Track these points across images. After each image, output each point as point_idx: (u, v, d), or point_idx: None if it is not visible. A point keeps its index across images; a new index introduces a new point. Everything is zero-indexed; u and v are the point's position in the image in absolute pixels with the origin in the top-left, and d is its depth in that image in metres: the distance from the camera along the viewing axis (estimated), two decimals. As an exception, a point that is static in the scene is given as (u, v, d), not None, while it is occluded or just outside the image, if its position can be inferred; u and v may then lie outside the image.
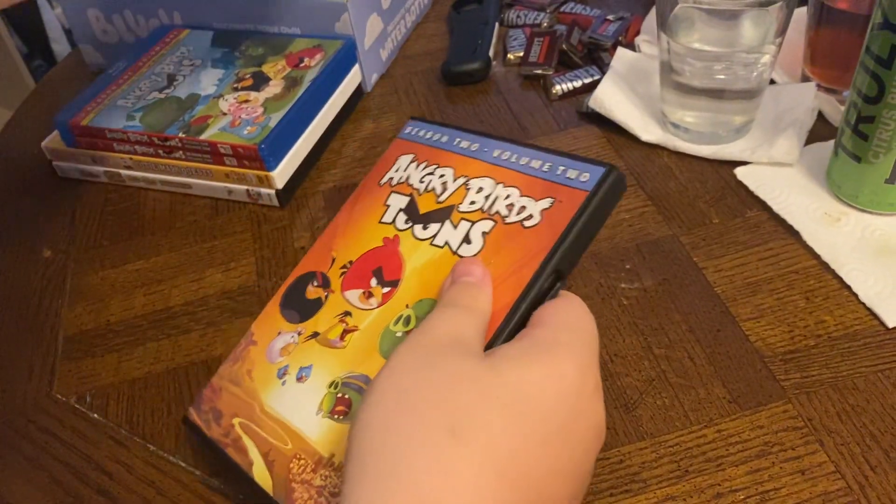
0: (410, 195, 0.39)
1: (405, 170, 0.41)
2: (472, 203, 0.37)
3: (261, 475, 0.36)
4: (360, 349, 0.36)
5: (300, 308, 0.39)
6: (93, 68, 0.75)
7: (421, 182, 0.39)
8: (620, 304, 0.46)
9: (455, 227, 0.36)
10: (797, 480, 0.37)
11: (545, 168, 0.35)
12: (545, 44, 0.65)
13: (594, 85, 0.61)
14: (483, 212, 0.36)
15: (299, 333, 0.38)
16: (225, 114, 0.57)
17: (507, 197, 0.36)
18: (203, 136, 0.55)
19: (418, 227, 0.38)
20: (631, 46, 0.64)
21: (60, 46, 1.85)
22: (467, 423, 0.26)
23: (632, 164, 0.55)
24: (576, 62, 0.64)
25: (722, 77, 0.52)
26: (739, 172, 0.53)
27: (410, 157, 0.41)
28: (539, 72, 0.64)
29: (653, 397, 0.41)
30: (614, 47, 0.64)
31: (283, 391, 0.37)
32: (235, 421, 0.38)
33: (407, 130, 0.43)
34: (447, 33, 0.72)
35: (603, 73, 0.61)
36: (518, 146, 0.37)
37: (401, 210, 0.39)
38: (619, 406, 0.41)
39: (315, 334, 0.38)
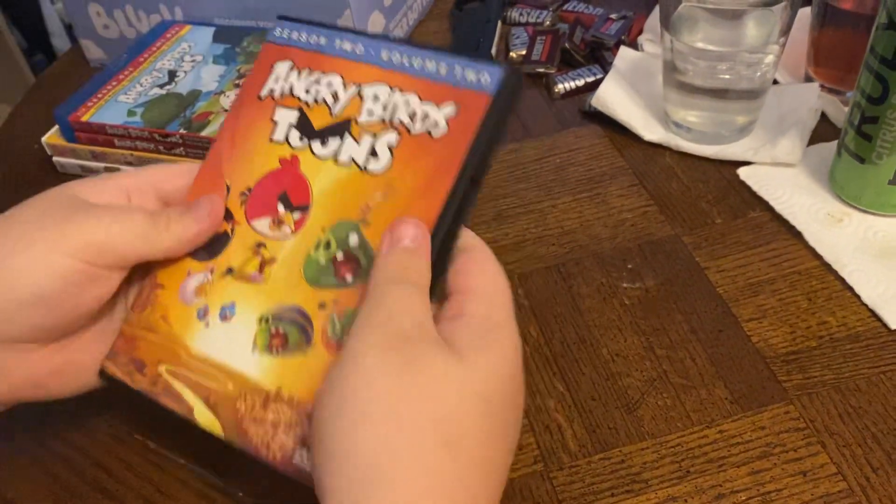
0: (299, 108, 0.37)
1: (285, 79, 0.38)
2: (371, 113, 0.35)
3: (205, 420, 0.34)
4: (284, 281, 0.35)
5: (206, 244, 0.37)
6: (93, 63, 0.75)
7: (307, 93, 0.37)
8: (622, 303, 0.45)
9: (357, 141, 0.35)
10: (799, 482, 0.37)
11: (441, 70, 0.34)
12: (547, 42, 0.65)
13: (596, 84, 0.60)
14: (385, 122, 0.34)
15: (212, 271, 0.37)
16: (226, 110, 0.57)
17: (407, 104, 0.34)
18: (204, 133, 0.55)
19: (316, 144, 0.36)
20: (634, 45, 0.64)
21: (61, 41, 1.85)
22: (458, 433, 0.26)
23: (634, 163, 0.55)
24: (578, 61, 0.64)
25: (725, 77, 0.51)
26: (742, 172, 0.52)
27: (288, 63, 0.38)
28: (541, 70, 0.64)
29: (654, 397, 0.41)
30: (617, 46, 0.63)
31: (209, 332, 0.36)
32: (162, 368, 0.36)
33: (277, 33, 0.39)
34: (449, 31, 0.71)
35: (605, 72, 0.61)
36: (406, 46, 0.35)
37: (292, 126, 0.37)
38: (621, 406, 0.40)
39: (230, 270, 0.36)
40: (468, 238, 0.33)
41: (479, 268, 0.32)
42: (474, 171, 0.32)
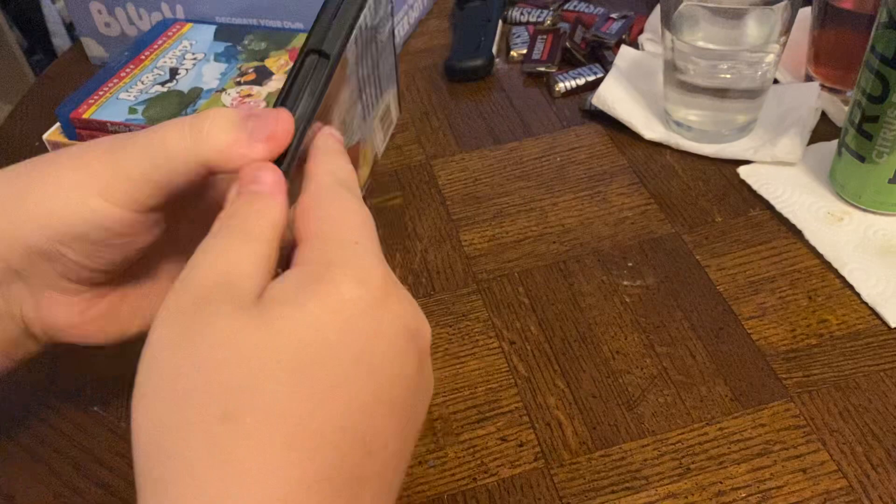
0: None
1: None
2: None
3: None
4: None
5: None
6: (94, 61, 0.75)
7: None
8: (622, 301, 0.46)
9: None
10: (799, 479, 0.37)
11: None
12: (548, 41, 0.65)
13: (597, 83, 0.60)
14: None
15: None
16: (227, 108, 0.57)
17: None
18: (205, 130, 0.55)
19: None
20: (634, 45, 0.64)
21: (61, 41, 1.85)
22: (241, 402, 0.23)
23: (635, 161, 0.55)
24: (579, 60, 0.64)
25: (726, 76, 0.51)
26: (742, 171, 0.52)
27: None
28: (542, 69, 0.64)
29: (655, 395, 0.41)
30: (618, 45, 0.64)
31: None
32: None
33: None
34: (450, 30, 0.72)
35: (606, 71, 0.61)
36: None
37: None
38: (621, 403, 0.41)
39: None
40: (316, 164, 0.29)
41: (322, 207, 0.27)
42: (315, 42, 0.30)
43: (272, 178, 0.28)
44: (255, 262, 0.25)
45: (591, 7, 0.70)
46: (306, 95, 0.30)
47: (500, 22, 0.69)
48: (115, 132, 0.58)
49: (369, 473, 0.24)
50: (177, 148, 0.29)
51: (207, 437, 0.22)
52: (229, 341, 0.23)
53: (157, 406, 0.23)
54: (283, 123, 0.29)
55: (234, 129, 0.29)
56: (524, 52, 0.66)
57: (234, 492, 0.22)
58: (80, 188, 0.30)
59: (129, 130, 0.57)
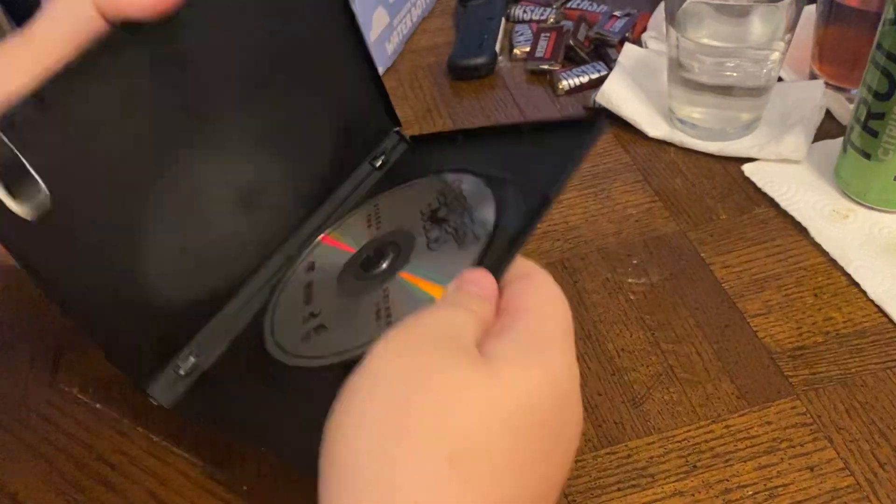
0: None
1: None
2: None
3: None
4: None
5: None
6: (96, 59, 0.74)
7: None
8: (627, 298, 0.45)
9: None
10: (805, 476, 0.37)
11: None
12: (552, 39, 0.65)
13: (600, 81, 0.60)
14: None
15: None
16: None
17: None
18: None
19: None
20: (638, 43, 0.64)
21: (61, 40, 1.84)
22: (468, 449, 0.24)
23: (639, 159, 0.55)
24: (582, 58, 0.64)
25: (730, 74, 0.51)
26: (747, 169, 0.52)
27: None
28: (545, 67, 0.64)
29: (660, 392, 0.41)
30: (621, 43, 0.63)
31: None
32: None
33: None
34: (453, 28, 0.71)
35: (609, 69, 0.61)
36: None
37: None
38: (627, 401, 0.40)
39: None
40: (526, 266, 0.31)
41: (534, 289, 0.29)
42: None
43: (491, 287, 0.29)
44: (474, 331, 0.27)
45: (595, 5, 0.70)
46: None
47: (504, 20, 0.69)
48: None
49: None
50: None
51: (433, 476, 0.23)
52: (462, 389, 0.25)
53: (379, 431, 0.24)
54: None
55: None
56: (527, 49, 0.65)
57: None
58: None
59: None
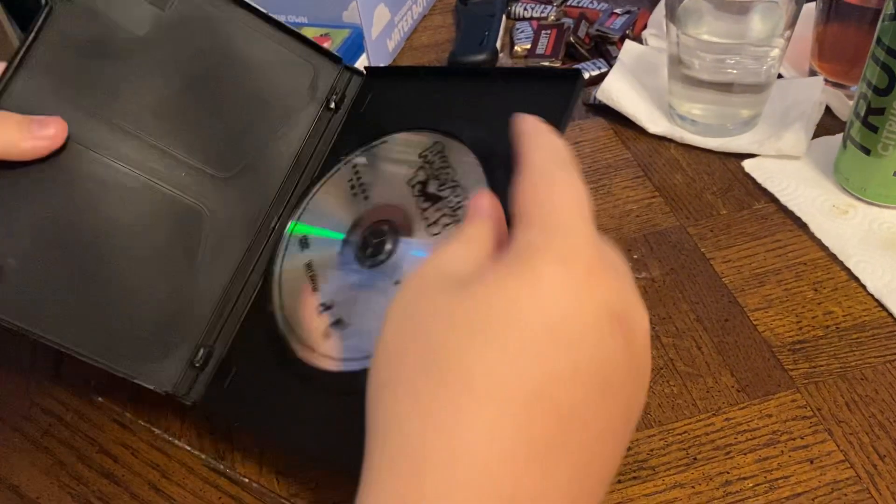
0: None
1: None
2: None
3: None
4: None
5: None
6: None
7: None
8: (628, 293, 0.45)
9: None
10: (806, 469, 0.37)
11: None
12: (552, 36, 0.65)
13: (601, 78, 0.60)
14: None
15: None
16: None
17: None
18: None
19: None
20: (638, 40, 0.64)
21: (61, 39, 1.84)
22: (439, 359, 0.24)
23: (639, 155, 0.55)
24: (583, 55, 0.64)
25: (730, 70, 0.52)
26: (747, 165, 0.52)
27: None
28: (546, 64, 0.64)
29: (661, 385, 0.41)
30: (621, 40, 0.64)
31: None
32: None
33: None
34: (453, 25, 0.72)
35: (610, 65, 0.61)
36: None
37: None
38: (628, 394, 0.40)
39: None
40: (528, 148, 0.29)
41: (529, 189, 0.28)
42: None
43: (487, 203, 0.30)
44: (467, 258, 0.27)
45: (595, 2, 0.70)
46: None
47: (504, 17, 0.69)
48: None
49: (564, 447, 0.24)
50: None
51: (412, 391, 0.24)
52: (437, 312, 0.25)
53: (378, 371, 0.26)
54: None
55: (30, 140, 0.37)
56: (528, 47, 0.66)
57: (434, 444, 0.23)
58: None
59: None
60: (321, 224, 0.42)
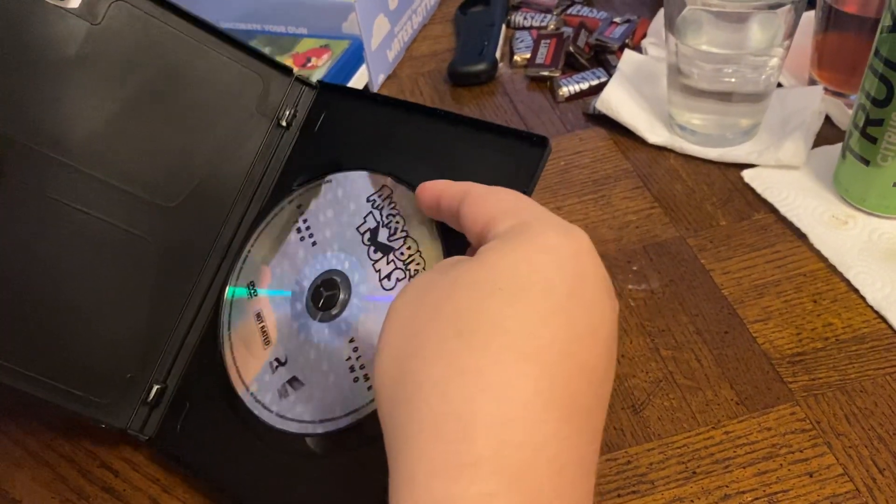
0: None
1: None
2: None
3: None
4: None
5: None
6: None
7: None
8: (628, 305, 0.46)
9: None
10: (805, 482, 0.37)
11: None
12: (552, 46, 0.66)
13: (600, 87, 0.61)
14: None
15: None
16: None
17: None
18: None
19: None
20: (638, 49, 0.65)
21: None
22: (471, 320, 0.25)
23: (639, 165, 0.55)
24: (582, 64, 0.64)
25: (730, 80, 0.52)
26: (746, 175, 0.52)
27: None
28: (546, 73, 0.64)
29: (660, 398, 0.41)
30: (621, 50, 0.64)
31: None
32: None
33: None
34: (453, 35, 0.72)
35: (609, 75, 0.61)
36: None
37: None
38: (627, 407, 0.40)
39: None
40: (459, 187, 0.32)
41: (486, 194, 0.30)
42: None
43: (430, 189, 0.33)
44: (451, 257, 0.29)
45: (595, 11, 0.70)
46: None
47: (504, 26, 0.69)
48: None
49: (589, 406, 0.25)
50: None
51: (446, 353, 0.24)
52: (453, 282, 0.26)
53: (396, 346, 0.26)
54: None
55: None
56: (528, 56, 0.66)
57: (477, 399, 0.23)
58: None
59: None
60: (268, 274, 0.40)
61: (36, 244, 0.37)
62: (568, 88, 0.62)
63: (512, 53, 0.67)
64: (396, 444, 0.24)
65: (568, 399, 0.24)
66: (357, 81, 0.63)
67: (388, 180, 0.38)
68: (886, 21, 0.43)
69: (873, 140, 0.45)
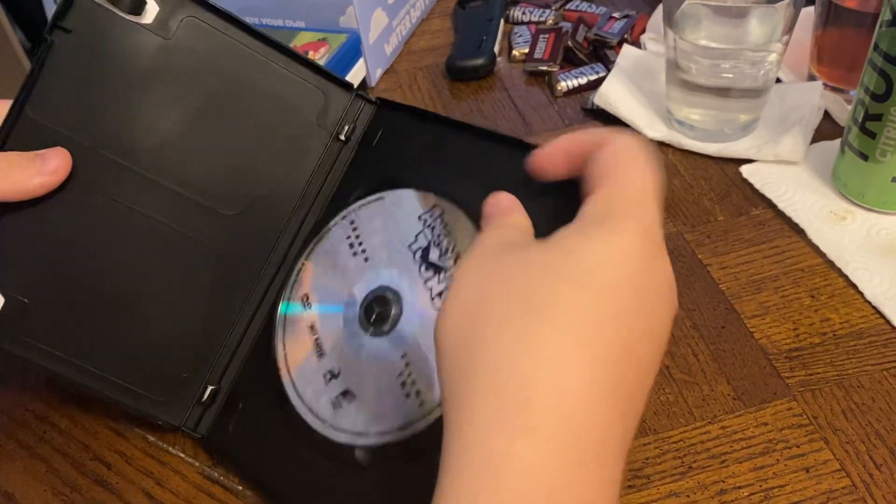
0: None
1: None
2: None
3: None
4: None
5: None
6: (96, 60, 0.75)
7: None
8: (624, 300, 0.45)
9: None
10: (801, 478, 0.36)
11: None
12: (550, 40, 0.65)
13: (599, 82, 0.60)
14: None
15: None
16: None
17: None
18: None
19: None
20: (636, 44, 0.64)
21: (63, 42, 1.84)
22: (541, 298, 0.26)
23: (636, 160, 0.55)
24: (581, 59, 0.64)
25: (728, 75, 0.51)
26: (745, 170, 0.52)
27: None
28: (544, 68, 0.64)
29: (657, 393, 0.40)
30: (620, 45, 0.63)
31: None
32: None
33: None
34: (451, 29, 0.71)
35: (608, 70, 0.61)
36: None
37: None
38: (623, 402, 0.40)
39: None
40: (601, 135, 0.30)
41: (621, 153, 0.29)
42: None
43: (506, 199, 0.32)
44: (521, 232, 0.30)
45: (594, 6, 0.70)
46: None
47: (502, 21, 0.69)
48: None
49: (634, 397, 0.26)
50: None
51: (514, 325, 0.25)
52: (523, 260, 0.27)
53: (462, 310, 0.27)
54: None
55: (37, 176, 0.37)
56: (526, 51, 0.66)
57: (539, 373, 0.24)
58: None
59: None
60: (322, 288, 0.41)
61: (105, 246, 0.39)
62: (566, 83, 0.61)
63: (510, 48, 0.67)
64: (454, 401, 0.25)
65: (619, 388, 0.25)
66: (354, 76, 0.62)
67: (440, 199, 0.38)
68: (886, 15, 0.42)
69: (872, 135, 0.45)
